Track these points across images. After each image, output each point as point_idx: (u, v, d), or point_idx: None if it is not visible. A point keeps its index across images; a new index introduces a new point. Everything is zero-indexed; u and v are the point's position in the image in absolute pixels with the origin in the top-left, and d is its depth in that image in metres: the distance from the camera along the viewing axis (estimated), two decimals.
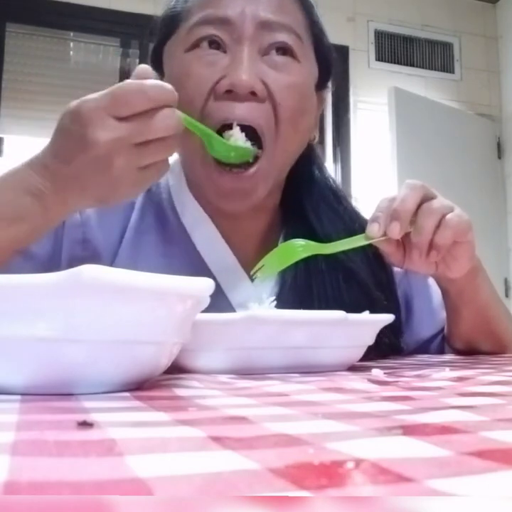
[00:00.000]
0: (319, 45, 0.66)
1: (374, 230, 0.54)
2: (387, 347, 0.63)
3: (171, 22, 0.64)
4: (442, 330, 0.76)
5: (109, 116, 0.46)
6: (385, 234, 0.54)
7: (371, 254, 0.66)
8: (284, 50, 0.61)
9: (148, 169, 0.49)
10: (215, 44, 0.60)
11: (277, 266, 0.55)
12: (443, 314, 0.72)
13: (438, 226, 0.54)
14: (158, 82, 0.49)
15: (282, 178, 0.66)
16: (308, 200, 0.70)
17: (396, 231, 0.53)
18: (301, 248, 0.56)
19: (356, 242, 0.56)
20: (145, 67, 0.50)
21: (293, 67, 0.62)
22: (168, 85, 0.48)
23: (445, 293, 0.67)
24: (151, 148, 0.48)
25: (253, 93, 0.57)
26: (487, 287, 0.68)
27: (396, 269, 0.72)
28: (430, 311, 0.76)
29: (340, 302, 0.63)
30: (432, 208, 0.54)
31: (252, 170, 0.59)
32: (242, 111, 0.58)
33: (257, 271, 0.54)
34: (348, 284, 0.66)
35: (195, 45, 0.60)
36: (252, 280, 0.66)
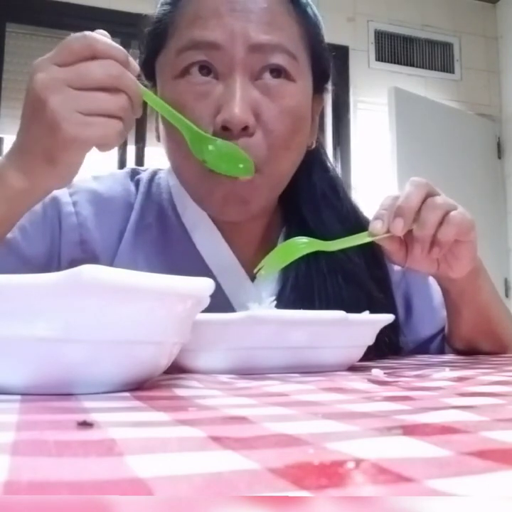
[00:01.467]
0: (315, 54, 0.65)
1: (377, 227, 0.54)
2: (386, 346, 0.63)
3: (159, 36, 0.62)
4: (443, 329, 0.76)
5: (52, 64, 0.48)
6: (388, 231, 0.54)
7: (368, 252, 0.66)
8: (277, 71, 0.59)
9: (94, 118, 0.47)
10: (206, 69, 0.58)
11: (280, 263, 0.55)
12: (443, 313, 0.72)
13: (441, 222, 0.54)
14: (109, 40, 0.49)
15: (281, 189, 0.65)
16: (307, 199, 0.70)
17: (399, 228, 0.53)
18: (303, 245, 0.55)
19: (359, 239, 0.56)
20: (103, 31, 0.50)
21: (287, 89, 0.60)
22: (117, 45, 0.49)
23: (446, 293, 0.67)
24: (93, 95, 0.47)
25: (245, 128, 0.57)
26: (488, 288, 0.67)
27: (396, 268, 0.72)
28: (431, 310, 0.76)
29: (341, 301, 0.63)
30: (436, 204, 0.54)
31: (248, 177, 0.58)
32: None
33: (260, 269, 0.54)
34: (348, 283, 0.66)
35: (185, 71, 0.58)
36: (253, 280, 0.66)
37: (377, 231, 0.54)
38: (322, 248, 0.56)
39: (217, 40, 0.57)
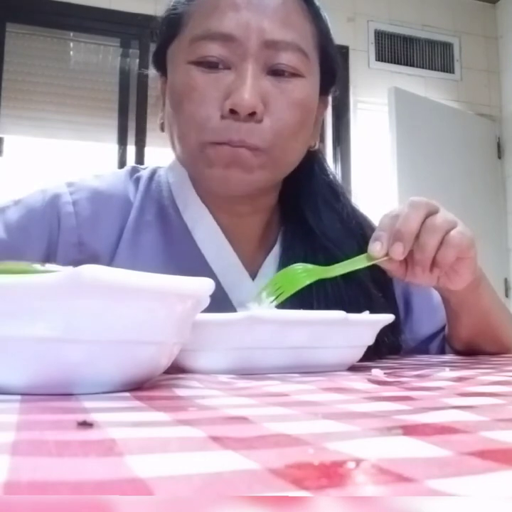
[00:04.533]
0: (325, 53, 0.66)
1: (376, 250, 0.54)
2: (386, 346, 0.63)
3: (173, 25, 0.64)
4: (442, 329, 0.76)
5: None
6: (387, 253, 0.54)
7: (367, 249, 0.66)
8: (288, 67, 0.61)
9: None
10: (219, 60, 0.60)
11: (283, 294, 0.54)
12: (443, 313, 0.73)
13: (441, 243, 0.54)
14: None
15: (282, 175, 0.66)
16: (306, 198, 0.70)
17: (399, 252, 0.53)
18: (303, 274, 0.55)
19: (358, 263, 0.56)
20: None
21: (297, 84, 0.61)
22: None
23: (446, 302, 0.67)
24: None
25: (253, 113, 0.58)
26: (488, 295, 0.67)
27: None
28: (430, 309, 0.76)
29: (340, 301, 0.63)
30: (436, 226, 0.54)
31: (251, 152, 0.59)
32: (243, 134, 0.58)
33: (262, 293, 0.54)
34: (346, 283, 0.66)
35: (198, 59, 0.60)
36: (253, 278, 0.66)
37: (376, 254, 0.54)
38: (322, 276, 0.56)
39: (232, 33, 0.59)
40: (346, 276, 0.66)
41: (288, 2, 0.62)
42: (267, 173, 0.62)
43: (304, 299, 0.64)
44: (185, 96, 0.60)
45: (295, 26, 0.61)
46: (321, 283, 0.65)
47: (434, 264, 0.55)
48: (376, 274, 0.69)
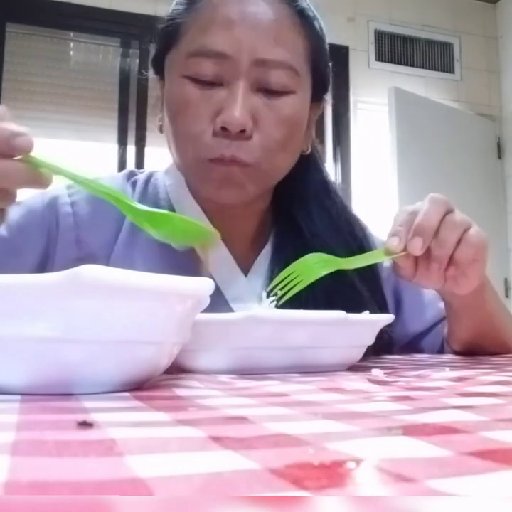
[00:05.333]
0: (317, 66, 0.67)
1: (393, 245, 0.53)
2: (378, 340, 0.63)
3: (171, 35, 0.65)
4: (433, 326, 0.76)
5: None
6: (404, 249, 0.53)
7: (356, 249, 0.66)
8: (279, 84, 0.62)
9: None
10: (213, 78, 0.61)
11: (301, 283, 0.53)
12: (433, 311, 0.74)
13: (459, 241, 0.53)
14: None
15: (274, 182, 0.68)
16: (298, 201, 0.72)
17: (418, 247, 0.52)
18: (318, 264, 0.54)
19: (375, 257, 0.56)
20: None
21: (286, 100, 0.63)
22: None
23: (448, 305, 0.66)
24: None
25: (243, 130, 0.60)
26: (492, 299, 0.67)
27: (385, 264, 0.72)
28: (420, 306, 0.77)
29: (329, 300, 0.62)
30: (456, 222, 0.53)
31: (241, 167, 0.61)
32: (234, 150, 0.61)
33: (274, 286, 0.53)
34: (334, 281, 0.65)
35: (193, 75, 0.62)
36: (246, 275, 0.69)
37: (394, 249, 0.53)
38: (337, 267, 0.54)
39: (226, 51, 0.61)
40: (334, 275, 0.66)
41: (281, 18, 0.63)
42: (257, 187, 0.64)
43: (293, 297, 0.64)
44: (180, 110, 0.63)
45: (287, 44, 0.63)
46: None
47: (450, 262, 0.54)
48: (365, 272, 0.69)
